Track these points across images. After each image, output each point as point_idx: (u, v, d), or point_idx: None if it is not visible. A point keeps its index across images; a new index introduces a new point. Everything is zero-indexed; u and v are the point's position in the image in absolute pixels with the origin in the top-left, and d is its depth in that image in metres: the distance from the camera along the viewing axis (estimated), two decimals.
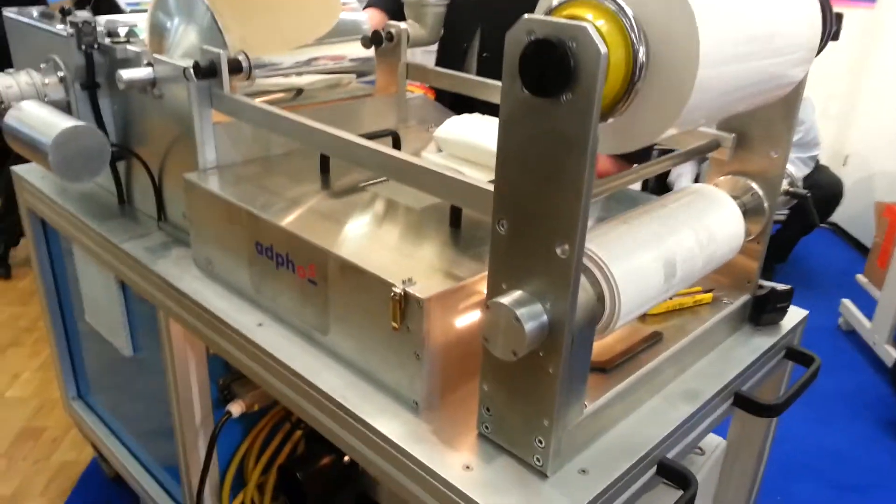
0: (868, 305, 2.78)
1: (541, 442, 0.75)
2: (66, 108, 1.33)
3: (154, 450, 1.56)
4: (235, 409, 1.23)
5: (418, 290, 0.80)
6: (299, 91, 1.36)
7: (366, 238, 0.96)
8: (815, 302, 3.13)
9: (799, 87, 0.91)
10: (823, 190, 3.11)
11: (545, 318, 0.69)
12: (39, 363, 2.43)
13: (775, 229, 3.25)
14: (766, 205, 1.00)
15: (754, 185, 1.00)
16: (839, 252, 3.72)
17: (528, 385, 0.74)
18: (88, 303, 1.54)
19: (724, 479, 1.26)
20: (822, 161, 3.36)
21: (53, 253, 1.66)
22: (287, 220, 0.98)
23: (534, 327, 0.68)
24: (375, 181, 1.13)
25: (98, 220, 1.33)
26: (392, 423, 0.83)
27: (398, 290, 0.81)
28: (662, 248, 0.80)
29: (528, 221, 0.68)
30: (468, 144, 1.19)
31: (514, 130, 0.67)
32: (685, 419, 0.87)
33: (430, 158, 1.22)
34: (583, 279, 0.72)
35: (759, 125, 0.98)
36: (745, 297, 1.04)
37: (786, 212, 3.20)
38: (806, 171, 3.08)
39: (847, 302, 2.93)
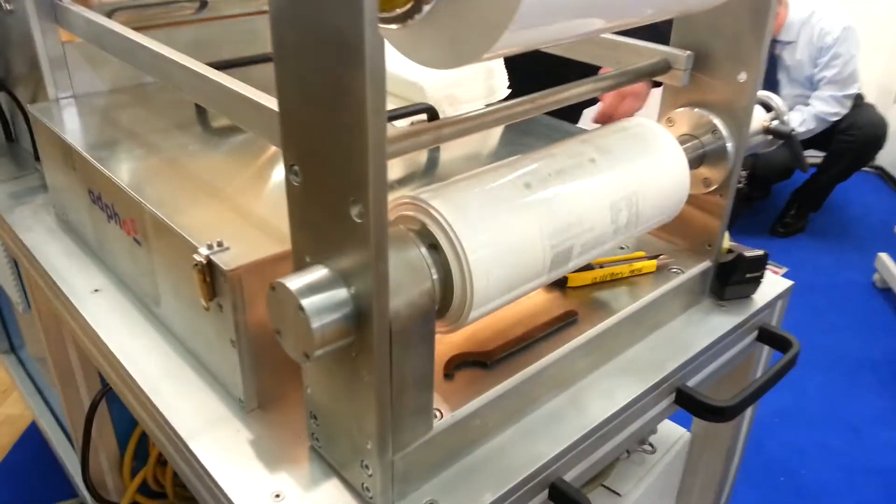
0: None
1: (367, 467, 0.55)
2: None
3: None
4: None
5: (225, 259, 0.60)
6: (203, 3, 1.15)
7: (206, 189, 0.75)
8: (848, 255, 2.87)
9: None
10: (863, 131, 2.78)
11: (349, 307, 0.48)
12: None
13: (810, 173, 2.94)
14: (729, 146, 0.76)
15: (716, 121, 0.76)
16: (882, 200, 3.38)
17: (347, 393, 0.54)
18: None
19: (688, 476, 1.05)
20: (870, 99, 3.00)
21: None
22: (114, 164, 0.78)
23: (327, 322, 0.48)
24: None
25: None
26: (205, 429, 0.65)
27: (200, 258, 0.61)
28: (551, 208, 0.58)
29: (321, 167, 0.47)
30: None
31: (285, 31, 0.45)
32: (595, 427, 0.66)
33: None
34: (416, 252, 0.51)
35: (722, 39, 0.73)
36: (704, 265, 0.82)
37: (821, 154, 2.89)
38: (841, 110, 2.74)
39: (884, 256, 2.63)
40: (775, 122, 0.83)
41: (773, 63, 2.77)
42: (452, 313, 0.55)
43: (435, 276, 0.53)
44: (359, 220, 0.45)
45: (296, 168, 0.49)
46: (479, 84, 0.96)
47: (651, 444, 0.94)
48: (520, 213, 0.56)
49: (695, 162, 0.77)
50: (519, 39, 0.46)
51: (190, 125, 0.90)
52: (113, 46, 0.80)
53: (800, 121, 2.71)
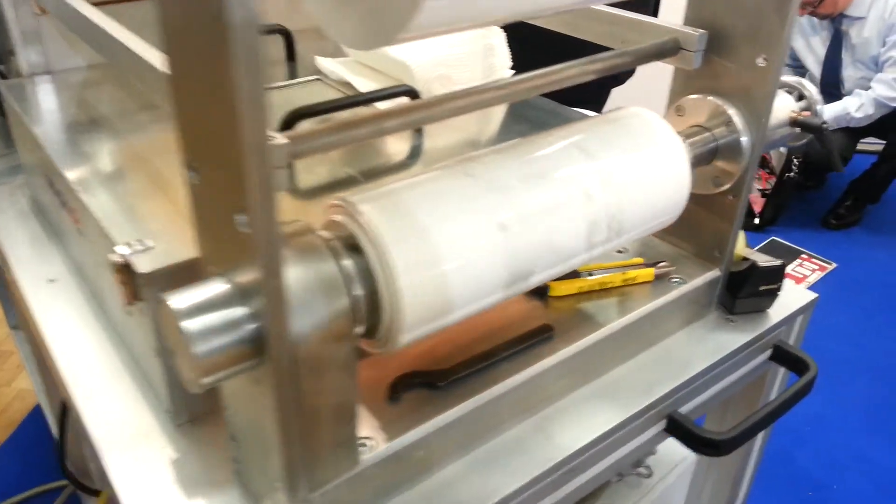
0: None
1: None
2: None
3: None
4: None
5: (144, 260, 0.54)
6: None
7: (158, 179, 0.69)
8: None
9: None
10: None
11: (248, 328, 0.41)
12: None
13: (869, 163, 2.74)
14: (744, 140, 0.66)
15: (731, 111, 0.66)
16: None
17: (256, 422, 0.47)
18: None
19: (692, 502, 0.96)
20: None
21: None
22: (70, 147, 0.73)
23: (215, 346, 0.41)
24: None
25: None
26: (127, 442, 0.59)
27: (117, 257, 0.55)
28: (512, 220, 0.50)
29: (211, 167, 0.40)
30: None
31: (169, 4, 0.38)
32: (562, 460, 0.58)
33: (324, 65, 0.92)
34: (330, 266, 0.44)
35: (741, 17, 0.63)
36: (711, 274, 0.72)
37: (881, 142, 2.69)
38: None
39: None
40: (806, 114, 0.72)
41: (838, 40, 2.57)
42: (382, 335, 0.48)
43: (359, 293, 0.45)
44: (245, 230, 0.38)
45: (194, 165, 0.42)
46: (476, 63, 0.87)
47: (648, 467, 0.86)
48: (470, 226, 0.48)
49: (705, 157, 0.67)
50: (441, 16, 0.37)
51: (164, 104, 0.84)
52: (69, 22, 0.74)
53: (857, 105, 2.51)
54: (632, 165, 0.57)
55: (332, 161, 0.74)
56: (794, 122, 0.73)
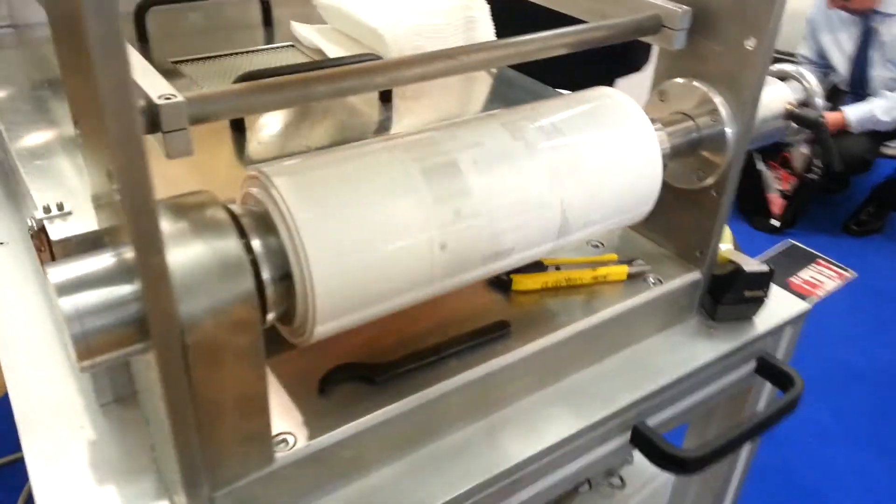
0: None
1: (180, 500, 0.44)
2: None
3: None
4: None
5: (59, 226, 0.50)
6: None
7: None
8: None
9: None
10: None
11: (133, 309, 0.37)
12: None
13: (892, 168, 2.64)
14: (729, 131, 0.60)
15: (716, 98, 0.60)
16: None
17: (155, 411, 0.43)
18: None
19: None
20: None
21: None
22: (11, 106, 0.69)
23: (91, 328, 0.37)
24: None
25: None
26: (46, 421, 0.55)
27: (33, 222, 0.51)
28: (451, 201, 0.45)
29: (89, 126, 0.36)
30: (347, 16, 0.83)
31: None
32: (509, 468, 0.54)
33: (300, 31, 0.88)
34: (232, 244, 0.39)
35: None
36: (691, 276, 0.67)
37: None
38: None
39: None
40: (800, 107, 0.66)
41: (868, 38, 2.47)
42: (299, 324, 0.43)
43: (269, 276, 0.41)
44: (118, 199, 0.33)
45: (77, 120, 0.38)
46: (456, 36, 0.82)
47: (621, 478, 0.81)
48: (402, 205, 0.43)
49: (686, 148, 0.62)
50: None
51: None
52: None
53: (885, 108, 2.41)
54: (596, 149, 0.52)
55: (303, 132, 0.70)
56: (789, 115, 0.67)
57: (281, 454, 0.47)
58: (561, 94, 0.86)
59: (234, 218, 0.41)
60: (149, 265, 0.34)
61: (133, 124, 0.31)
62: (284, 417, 0.50)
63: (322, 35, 0.84)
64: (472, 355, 0.56)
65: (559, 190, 0.49)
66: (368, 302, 0.43)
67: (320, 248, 0.40)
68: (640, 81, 1.62)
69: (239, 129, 0.66)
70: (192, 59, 0.81)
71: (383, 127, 0.73)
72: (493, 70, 0.86)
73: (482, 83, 0.86)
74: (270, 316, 0.42)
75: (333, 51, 0.79)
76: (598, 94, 0.56)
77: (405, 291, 0.45)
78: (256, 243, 0.41)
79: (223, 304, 0.38)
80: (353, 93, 0.44)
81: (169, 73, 0.79)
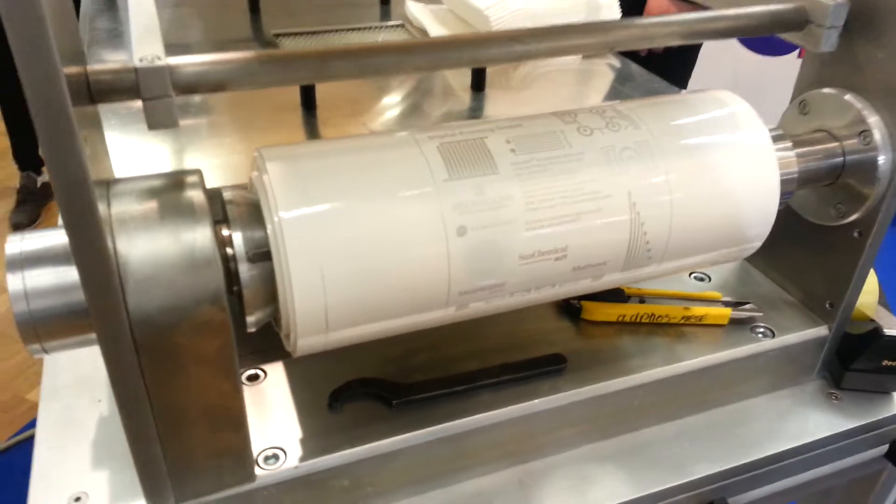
0: None
1: None
2: None
3: None
4: None
5: None
6: None
7: None
8: None
9: None
10: None
11: (79, 296, 0.33)
12: None
13: None
14: (882, 158, 0.47)
15: (870, 116, 0.48)
16: None
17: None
18: None
19: None
20: None
21: None
22: None
23: (39, 309, 0.33)
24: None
25: None
26: (72, 396, 0.54)
27: None
28: (481, 207, 0.37)
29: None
30: None
31: None
32: None
33: (411, 10, 0.82)
34: (202, 234, 0.34)
35: None
36: (815, 332, 0.54)
37: None
38: None
39: None
40: None
41: None
42: (286, 332, 0.38)
43: (248, 274, 0.36)
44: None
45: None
46: (578, 17, 0.72)
47: None
48: (419, 215, 0.36)
49: (825, 174, 0.50)
50: None
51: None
52: None
53: None
54: (690, 159, 0.42)
55: (377, 113, 0.64)
56: None
57: (265, 472, 0.42)
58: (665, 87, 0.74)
59: (221, 205, 0.36)
60: (83, 249, 0.30)
61: (56, 91, 0.26)
62: (282, 430, 0.44)
63: (432, 15, 0.77)
64: (513, 390, 0.48)
65: (631, 195, 0.40)
66: (359, 321, 0.37)
67: (303, 247, 0.34)
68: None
69: (309, 107, 0.62)
70: (295, 33, 0.78)
71: (469, 115, 0.66)
72: (616, 65, 0.76)
73: (601, 78, 0.76)
74: (253, 319, 0.37)
75: (436, 30, 0.73)
76: (708, 98, 0.45)
77: (405, 315, 0.38)
78: (238, 236, 0.35)
79: (183, 302, 0.33)
80: (376, 74, 0.38)
81: (265, 44, 0.77)
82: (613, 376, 0.49)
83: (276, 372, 0.49)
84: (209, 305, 0.34)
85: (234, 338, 0.35)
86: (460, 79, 0.69)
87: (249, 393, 0.47)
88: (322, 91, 0.63)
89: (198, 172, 0.36)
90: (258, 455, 0.43)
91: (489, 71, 0.68)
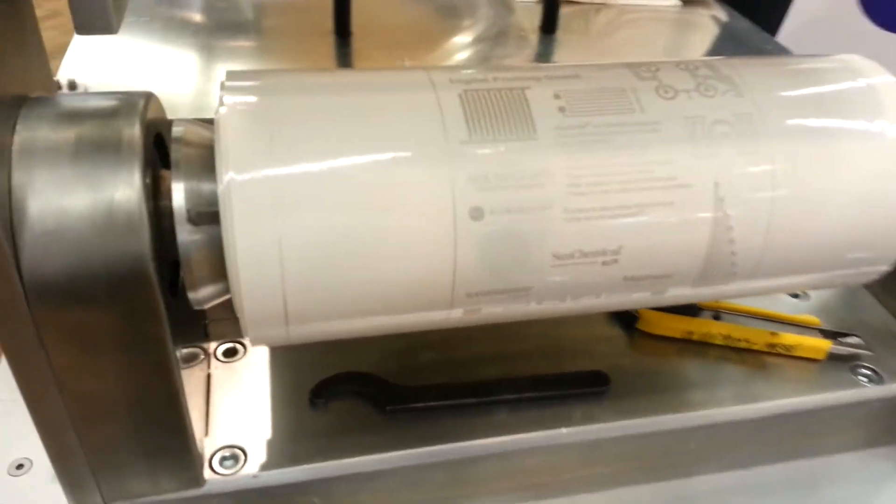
0: None
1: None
2: None
3: None
4: None
5: None
6: None
7: None
8: None
9: None
10: None
11: None
12: None
13: None
14: None
15: None
16: None
17: None
18: None
19: None
20: None
21: None
22: None
23: None
24: None
25: None
26: None
27: None
28: (501, 186, 0.27)
29: None
30: None
31: None
32: None
33: None
34: (118, 180, 0.26)
35: None
36: None
37: None
38: None
39: None
40: None
41: None
42: (238, 315, 0.29)
43: (189, 238, 0.27)
44: None
45: None
46: None
47: None
48: (418, 179, 0.27)
49: None
50: None
51: None
52: None
53: None
54: (814, 151, 0.31)
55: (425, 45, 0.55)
56: None
57: (217, 477, 0.34)
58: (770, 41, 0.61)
59: (162, 144, 0.28)
60: None
61: None
62: (249, 424, 0.37)
63: None
64: (538, 411, 0.39)
65: (718, 187, 0.29)
66: (334, 312, 0.28)
67: (258, 219, 0.25)
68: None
69: (343, 34, 0.53)
70: None
71: (534, 59, 0.56)
72: (722, 17, 0.63)
73: (702, 31, 0.64)
74: (198, 295, 0.29)
75: None
76: (837, 63, 0.33)
77: (405, 309, 0.29)
78: (179, 188, 0.27)
79: (95, 269, 0.25)
80: None
81: None
82: (667, 409, 0.39)
83: (259, 348, 0.41)
84: (130, 275, 0.26)
85: (165, 319, 0.27)
86: (530, 17, 0.58)
87: (222, 370, 0.40)
88: (360, 12, 0.53)
89: (145, 96, 0.28)
90: (213, 454, 0.35)
91: (566, 12, 0.57)
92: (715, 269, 0.31)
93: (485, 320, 0.31)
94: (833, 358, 0.43)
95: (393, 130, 0.27)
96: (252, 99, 0.27)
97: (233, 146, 0.26)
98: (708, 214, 0.29)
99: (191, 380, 0.37)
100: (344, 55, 0.52)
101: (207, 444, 0.36)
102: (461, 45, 0.56)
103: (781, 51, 0.61)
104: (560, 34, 0.59)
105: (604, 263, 0.29)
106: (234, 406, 0.38)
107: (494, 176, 0.27)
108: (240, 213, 0.25)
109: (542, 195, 0.27)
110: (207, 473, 0.34)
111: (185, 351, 0.39)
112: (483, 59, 0.55)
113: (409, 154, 0.27)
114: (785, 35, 0.87)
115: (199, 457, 0.34)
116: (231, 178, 0.25)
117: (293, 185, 0.26)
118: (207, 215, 0.27)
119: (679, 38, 0.64)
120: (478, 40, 0.57)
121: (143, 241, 0.25)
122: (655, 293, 0.31)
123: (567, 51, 0.56)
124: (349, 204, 0.26)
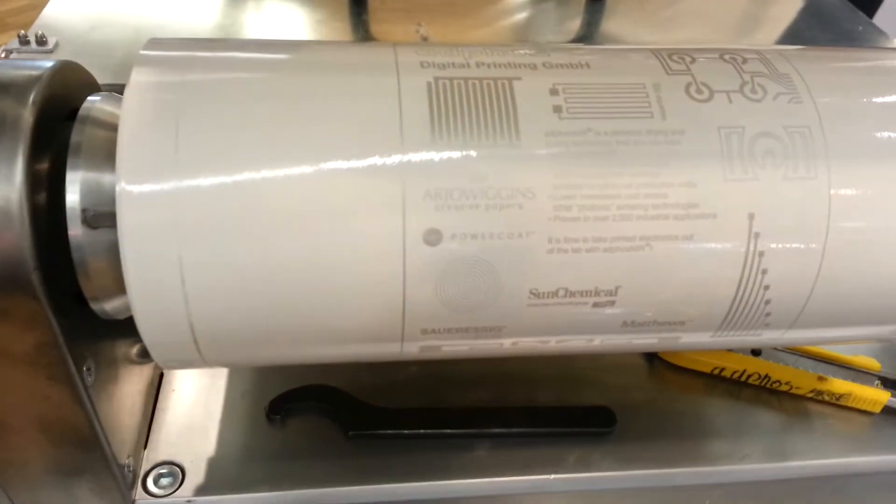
0: None
1: None
2: None
3: None
4: None
5: None
6: None
7: None
8: None
9: None
10: None
11: None
12: None
13: None
14: None
15: None
16: None
17: None
18: None
19: None
20: None
21: None
22: None
23: None
24: None
25: None
26: None
27: None
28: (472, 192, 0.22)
29: None
30: None
31: None
32: None
33: None
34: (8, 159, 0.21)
35: None
36: None
37: None
38: None
39: None
40: None
41: None
42: None
43: (88, 240, 0.23)
44: None
45: None
46: None
47: None
48: (362, 189, 0.21)
49: None
50: None
51: None
52: None
53: None
54: (884, 183, 0.24)
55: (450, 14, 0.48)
56: None
57: (147, 498, 0.30)
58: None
59: (60, 124, 0.23)
60: None
61: None
62: (193, 439, 0.33)
63: None
64: (528, 451, 0.33)
65: (754, 220, 0.23)
66: (254, 338, 0.23)
67: (153, 228, 0.21)
68: None
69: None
70: None
71: (563, 37, 0.48)
72: None
73: (782, 4, 0.55)
74: (102, 306, 0.24)
75: None
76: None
77: (345, 341, 0.24)
78: (74, 181, 0.22)
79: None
80: None
81: None
82: (681, 461, 0.34)
83: None
84: (9, 281, 0.21)
85: (59, 333, 0.23)
86: None
87: (177, 370, 0.36)
88: None
89: (53, 68, 0.23)
90: (150, 469, 0.31)
91: None
92: (742, 318, 0.24)
93: (453, 357, 0.26)
94: (890, 412, 0.36)
95: (334, 127, 0.21)
96: (165, 80, 0.22)
97: (128, 146, 0.21)
98: (738, 252, 0.23)
99: (140, 379, 0.33)
100: (361, 20, 0.46)
101: (146, 458, 0.32)
102: (492, 12, 0.49)
103: (876, 36, 0.52)
104: (611, 2, 0.52)
105: (595, 305, 0.23)
106: (182, 415, 0.34)
107: (459, 192, 0.21)
108: (130, 231, 0.20)
109: (519, 218, 0.22)
110: (138, 493, 0.30)
111: (138, 346, 0.35)
112: (516, 30, 0.48)
113: (351, 160, 0.21)
114: (883, 16, 0.77)
115: (126, 475, 0.30)
116: (122, 189, 0.20)
117: (200, 199, 0.21)
118: (107, 216, 0.22)
119: (754, 12, 0.56)
120: (513, 7, 0.50)
121: (22, 242, 0.21)
122: (664, 340, 0.25)
123: (615, 23, 0.49)
124: (271, 223, 0.21)
